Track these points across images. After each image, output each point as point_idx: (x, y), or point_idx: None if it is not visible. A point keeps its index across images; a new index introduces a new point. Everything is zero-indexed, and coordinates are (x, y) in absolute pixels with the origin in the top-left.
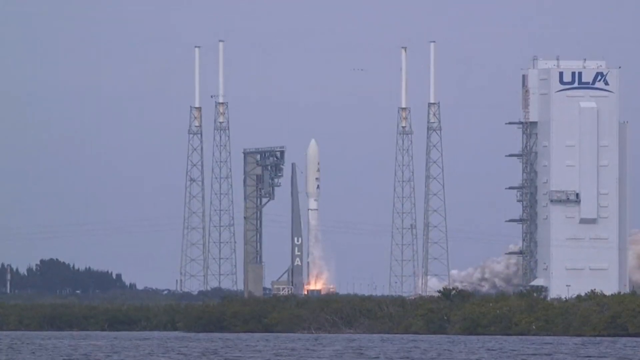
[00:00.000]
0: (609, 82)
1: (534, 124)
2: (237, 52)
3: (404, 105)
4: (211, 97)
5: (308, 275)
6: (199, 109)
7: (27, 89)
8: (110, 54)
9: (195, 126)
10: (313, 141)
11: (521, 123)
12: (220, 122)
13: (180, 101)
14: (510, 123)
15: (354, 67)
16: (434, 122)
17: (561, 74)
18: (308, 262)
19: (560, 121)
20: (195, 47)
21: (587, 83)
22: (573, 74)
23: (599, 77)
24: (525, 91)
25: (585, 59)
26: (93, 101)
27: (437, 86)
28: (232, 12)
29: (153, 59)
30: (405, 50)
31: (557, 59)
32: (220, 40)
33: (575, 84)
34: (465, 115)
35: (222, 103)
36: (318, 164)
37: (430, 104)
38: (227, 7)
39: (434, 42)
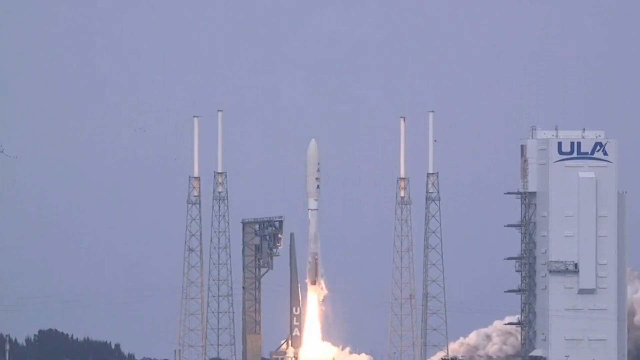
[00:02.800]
0: (607, 152)
1: (532, 194)
2: (236, 122)
3: (402, 175)
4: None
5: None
6: (198, 178)
7: (27, 155)
8: (108, 122)
9: (194, 196)
10: (313, 141)
11: (520, 193)
12: (219, 192)
13: (179, 171)
14: (508, 193)
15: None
16: (432, 192)
17: (560, 144)
18: (309, 262)
19: (559, 191)
20: (194, 116)
21: (586, 153)
22: (572, 144)
23: (598, 147)
24: (524, 161)
25: (584, 129)
26: (92, 171)
27: (436, 156)
28: (231, 83)
29: (151, 128)
30: (404, 120)
31: (556, 129)
32: (219, 110)
33: (574, 154)
34: (464, 185)
35: (221, 173)
36: (318, 164)
37: (429, 174)
38: (226, 78)
39: (432, 111)
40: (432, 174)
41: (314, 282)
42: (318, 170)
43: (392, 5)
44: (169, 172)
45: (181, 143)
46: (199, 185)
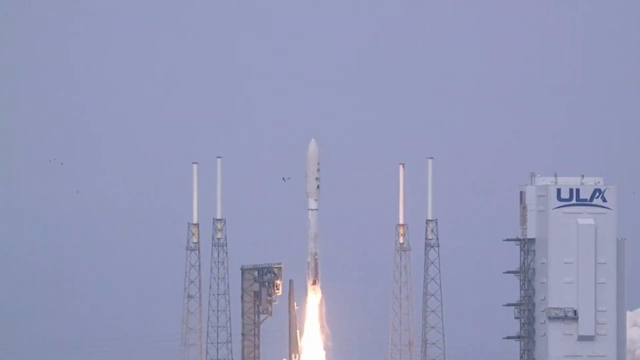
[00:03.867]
0: (607, 198)
1: (531, 240)
2: (235, 169)
3: (401, 222)
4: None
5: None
6: (197, 225)
7: (26, 207)
8: (107, 169)
9: (193, 243)
10: (313, 141)
11: (519, 240)
12: (218, 239)
13: (178, 218)
14: (507, 240)
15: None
16: (431, 239)
17: (559, 190)
18: (308, 262)
19: (558, 238)
20: (193, 163)
21: (585, 200)
22: (571, 190)
23: (597, 194)
24: (523, 208)
25: (583, 176)
26: (89, 217)
27: (435, 202)
28: (230, 130)
29: (150, 175)
30: (403, 167)
31: (555, 176)
32: (217, 157)
33: (573, 201)
34: (463, 232)
35: (220, 219)
36: (318, 163)
37: (428, 221)
38: (225, 125)
39: (431, 158)
40: (431, 220)
41: (314, 282)
42: (318, 170)
43: (390, 52)
44: (168, 218)
45: (180, 190)
46: (198, 231)
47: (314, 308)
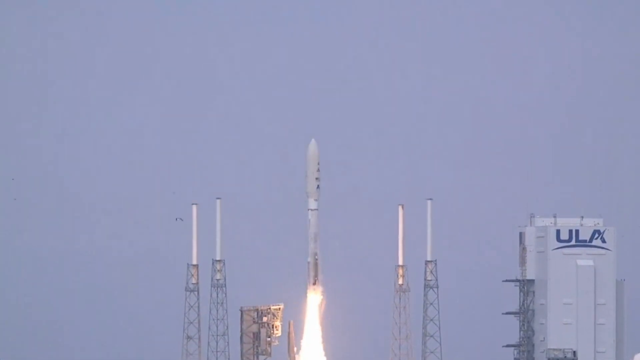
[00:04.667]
0: (606, 239)
1: (531, 281)
2: (234, 210)
3: (401, 263)
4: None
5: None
6: (196, 266)
7: (25, 253)
8: (106, 210)
9: (193, 283)
10: (313, 141)
11: (518, 281)
12: (218, 280)
13: (177, 259)
14: (507, 281)
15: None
16: (431, 280)
17: (558, 231)
18: (308, 262)
19: (558, 279)
20: (193, 204)
21: (585, 241)
22: (570, 231)
23: (596, 235)
24: (523, 249)
25: (582, 217)
26: (88, 258)
27: (434, 243)
28: (229, 171)
29: (150, 216)
30: (403, 208)
31: (554, 217)
32: (217, 198)
33: (573, 242)
34: (462, 273)
35: (219, 260)
36: (318, 163)
37: (427, 262)
38: (224, 166)
39: (430, 199)
40: (431, 261)
41: (314, 282)
42: (318, 170)
43: (388, 89)
44: (168, 259)
45: (179, 230)
46: (197, 272)
47: (314, 308)
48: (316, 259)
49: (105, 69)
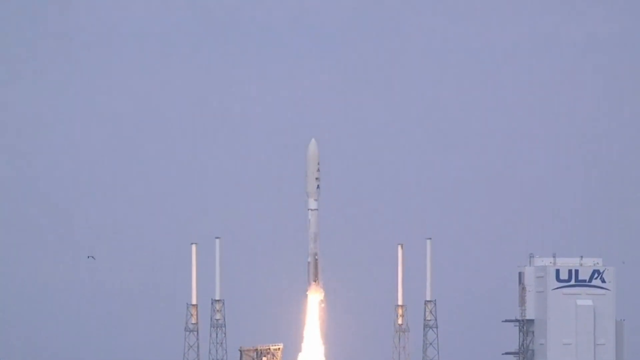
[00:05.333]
0: (605, 279)
1: (530, 321)
2: (233, 249)
3: (400, 303)
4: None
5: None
6: (195, 306)
7: (23, 287)
8: (105, 250)
9: (192, 323)
10: (313, 141)
11: (518, 321)
12: (217, 320)
13: (177, 298)
14: (506, 321)
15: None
16: (430, 320)
17: (558, 271)
18: (308, 262)
19: (557, 319)
20: (192, 243)
21: (584, 281)
22: (570, 271)
23: (596, 275)
24: (522, 289)
25: (582, 257)
26: (88, 298)
27: (434, 283)
28: (228, 210)
29: (149, 256)
30: (402, 247)
31: (554, 257)
32: (216, 237)
33: (572, 282)
34: (462, 313)
35: (219, 300)
36: (318, 164)
37: (426, 302)
38: (223, 205)
39: (430, 239)
40: (430, 301)
41: (314, 282)
42: (318, 170)
43: (388, 129)
44: (167, 299)
45: (179, 270)
46: (197, 312)
47: (315, 308)
48: (316, 259)
49: (104, 107)
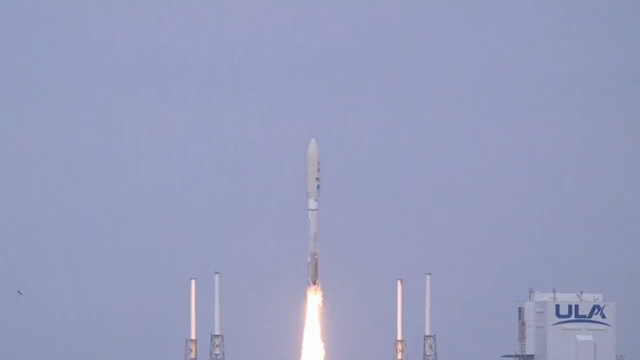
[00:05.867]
0: (606, 315)
1: (530, 357)
2: (233, 284)
3: (399, 338)
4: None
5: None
6: (195, 341)
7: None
8: (103, 285)
9: (191, 358)
10: (313, 141)
11: (517, 356)
12: (216, 355)
13: (176, 333)
14: (506, 356)
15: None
16: (430, 355)
17: (557, 306)
18: (308, 262)
19: (557, 355)
20: (191, 279)
21: (584, 316)
22: (570, 307)
23: (596, 310)
24: (522, 324)
25: (581, 292)
26: (87, 334)
27: (433, 318)
28: (228, 244)
29: (148, 291)
30: (402, 282)
31: (554, 292)
32: (216, 272)
33: (572, 317)
34: (462, 348)
35: (218, 335)
36: (318, 164)
37: (426, 337)
38: (222, 240)
39: (429, 274)
40: (430, 336)
41: (314, 282)
42: (318, 170)
43: (387, 166)
44: (166, 334)
45: (178, 305)
46: (196, 348)
47: (314, 309)
48: (316, 259)
49: (102, 140)
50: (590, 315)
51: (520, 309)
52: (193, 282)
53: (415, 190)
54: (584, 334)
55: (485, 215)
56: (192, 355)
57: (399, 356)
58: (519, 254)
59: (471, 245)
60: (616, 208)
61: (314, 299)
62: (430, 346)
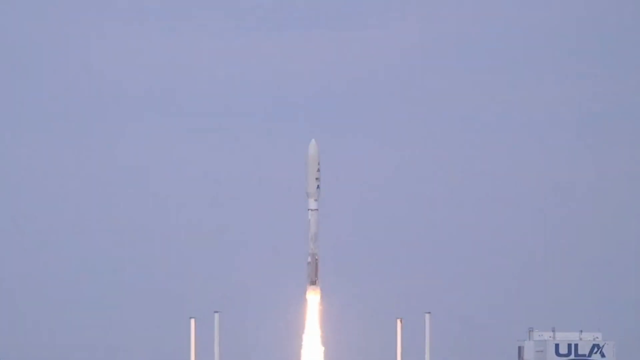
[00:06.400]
0: (605, 354)
1: None
2: (233, 323)
3: None
4: None
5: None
6: None
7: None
8: (103, 321)
9: None
10: (313, 141)
11: None
12: None
13: None
14: None
15: None
16: None
17: (557, 345)
18: (308, 262)
19: None
20: (190, 318)
21: (584, 355)
22: (569, 345)
23: (596, 349)
24: None
25: (581, 331)
26: None
27: (433, 357)
28: (227, 282)
29: (147, 330)
30: (401, 321)
31: (553, 331)
32: (215, 312)
33: (572, 356)
34: None
35: None
36: (318, 164)
37: None
38: (222, 277)
39: (429, 313)
40: None
41: (313, 282)
42: (318, 170)
43: (387, 205)
44: None
45: (177, 344)
46: None
47: (314, 309)
48: (316, 259)
49: (97, 177)
50: (590, 354)
51: (519, 348)
52: (192, 321)
53: (415, 227)
54: None
55: (486, 254)
56: None
57: None
58: (518, 293)
59: (470, 284)
60: (615, 247)
61: (314, 299)
62: None
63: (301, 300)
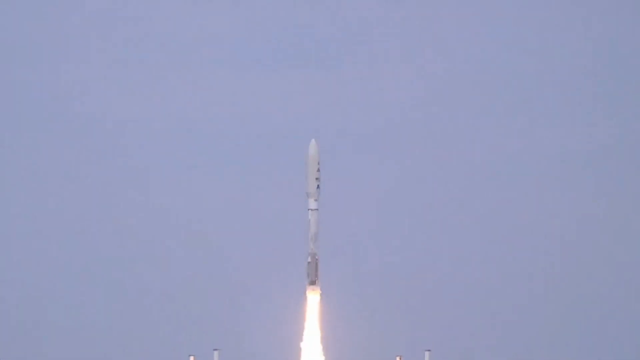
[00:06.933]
0: None
1: None
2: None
3: None
4: None
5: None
6: None
7: None
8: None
9: None
10: (313, 141)
11: None
12: None
13: None
14: None
15: None
16: None
17: None
18: (308, 262)
19: None
20: (190, 355)
21: None
22: None
23: None
24: None
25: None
26: None
27: None
28: (227, 321)
29: None
30: (401, 359)
31: None
32: (215, 349)
33: None
34: None
35: None
36: (318, 164)
37: None
38: (222, 316)
39: (429, 350)
40: None
41: (313, 282)
42: (318, 170)
43: (387, 241)
44: None
45: None
46: None
47: (314, 309)
48: (316, 259)
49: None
50: None
51: None
52: (191, 358)
53: (414, 265)
54: None
55: (484, 292)
56: None
57: None
58: (516, 331)
59: (470, 321)
60: (615, 283)
61: (314, 299)
62: None
63: (301, 300)
